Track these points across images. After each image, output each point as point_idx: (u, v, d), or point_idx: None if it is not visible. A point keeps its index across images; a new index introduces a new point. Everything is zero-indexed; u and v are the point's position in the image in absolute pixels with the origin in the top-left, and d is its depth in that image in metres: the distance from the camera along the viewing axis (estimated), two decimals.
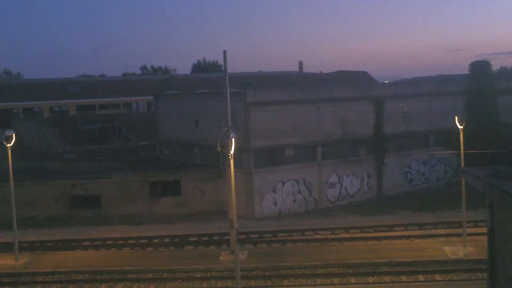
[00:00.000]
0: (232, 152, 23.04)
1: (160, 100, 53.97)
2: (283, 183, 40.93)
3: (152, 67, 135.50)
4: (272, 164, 40.86)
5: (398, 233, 34.11)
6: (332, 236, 34.15)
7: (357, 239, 33.32)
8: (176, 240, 34.51)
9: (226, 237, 32.75)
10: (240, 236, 30.71)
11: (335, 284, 26.49)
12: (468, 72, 50.12)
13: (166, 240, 34.60)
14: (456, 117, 30.52)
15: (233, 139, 23.08)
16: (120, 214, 40.45)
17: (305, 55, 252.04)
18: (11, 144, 30.24)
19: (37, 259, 31.03)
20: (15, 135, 30.82)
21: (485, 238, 17.85)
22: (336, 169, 43.28)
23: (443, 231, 34.30)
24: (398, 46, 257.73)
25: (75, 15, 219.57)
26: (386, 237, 33.27)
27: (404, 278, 26.81)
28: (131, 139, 65.05)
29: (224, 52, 31.91)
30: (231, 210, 27.24)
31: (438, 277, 26.75)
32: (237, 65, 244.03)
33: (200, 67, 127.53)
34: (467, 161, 30.36)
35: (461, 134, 29.98)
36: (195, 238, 34.68)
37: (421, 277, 26.78)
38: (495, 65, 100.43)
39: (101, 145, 62.02)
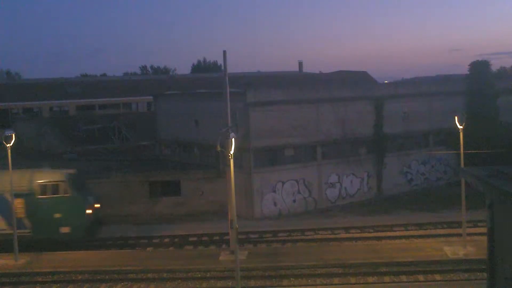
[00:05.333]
0: (232, 152, 23.03)
1: (160, 100, 53.98)
2: (283, 183, 40.94)
3: (152, 67, 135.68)
4: (272, 164, 40.86)
5: (398, 233, 34.13)
6: (332, 236, 34.15)
7: (357, 239, 33.32)
8: (176, 240, 34.51)
9: (226, 237, 32.75)
10: (240, 236, 30.69)
11: (335, 284, 26.46)
12: (468, 72, 50.12)
13: (166, 240, 34.59)
14: (456, 117, 30.51)
15: (233, 139, 23.07)
16: (120, 214, 40.43)
17: (305, 55, 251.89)
18: (11, 144, 30.20)
19: (37, 259, 30.99)
20: (15, 135, 30.78)
21: (485, 238, 17.84)
22: (336, 169, 43.29)
23: (443, 231, 34.30)
24: (398, 46, 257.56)
25: (75, 15, 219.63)
26: (386, 237, 33.27)
27: (404, 278, 26.78)
28: (131, 139, 65.05)
29: (224, 52, 31.88)
30: (231, 210, 27.22)
31: (438, 277, 26.73)
32: (237, 65, 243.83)
33: (200, 67, 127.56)
34: (467, 161, 30.35)
35: (461, 134, 29.96)
36: (195, 238, 34.69)
37: (421, 277, 26.76)
38: (495, 65, 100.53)
39: (101, 145, 62.04)
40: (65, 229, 31.96)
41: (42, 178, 32.46)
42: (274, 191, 40.62)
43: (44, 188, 32.01)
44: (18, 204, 31.67)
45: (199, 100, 46.95)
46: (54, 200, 31.98)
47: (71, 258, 30.97)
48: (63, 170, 34.40)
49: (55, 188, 32.08)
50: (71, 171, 34.02)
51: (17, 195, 31.39)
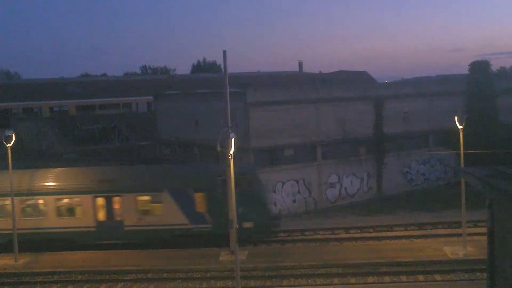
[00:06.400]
0: (232, 152, 23.03)
1: (160, 100, 53.97)
2: (283, 183, 40.93)
3: (152, 67, 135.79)
4: (272, 164, 40.86)
5: (398, 233, 34.10)
6: (332, 236, 34.14)
7: (357, 239, 33.30)
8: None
9: None
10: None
11: (335, 284, 26.47)
12: (468, 72, 50.09)
13: None
14: (456, 117, 30.50)
15: (233, 139, 23.07)
16: None
17: (305, 55, 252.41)
18: (11, 144, 30.21)
19: (37, 259, 31.00)
20: (15, 135, 30.79)
21: (485, 238, 17.83)
22: (336, 169, 43.28)
23: (443, 231, 34.28)
24: (398, 46, 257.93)
25: (75, 15, 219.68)
26: (386, 237, 33.27)
27: (404, 278, 26.78)
28: (131, 139, 65.03)
29: (224, 52, 31.84)
30: (231, 210, 27.23)
31: (438, 277, 26.73)
32: (237, 65, 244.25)
33: (200, 67, 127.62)
34: (467, 161, 30.31)
35: (461, 134, 29.95)
36: None
37: (421, 277, 26.76)
38: (495, 65, 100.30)
39: (101, 145, 62.02)
40: (247, 224, 31.11)
41: (224, 172, 31.79)
42: (274, 191, 40.60)
43: (226, 182, 31.01)
44: (199, 199, 31.65)
45: (199, 100, 46.94)
46: (236, 194, 31.55)
47: (71, 258, 30.98)
48: (244, 165, 34.18)
49: (237, 182, 31.28)
50: (251, 165, 33.49)
51: (198, 190, 31.51)
